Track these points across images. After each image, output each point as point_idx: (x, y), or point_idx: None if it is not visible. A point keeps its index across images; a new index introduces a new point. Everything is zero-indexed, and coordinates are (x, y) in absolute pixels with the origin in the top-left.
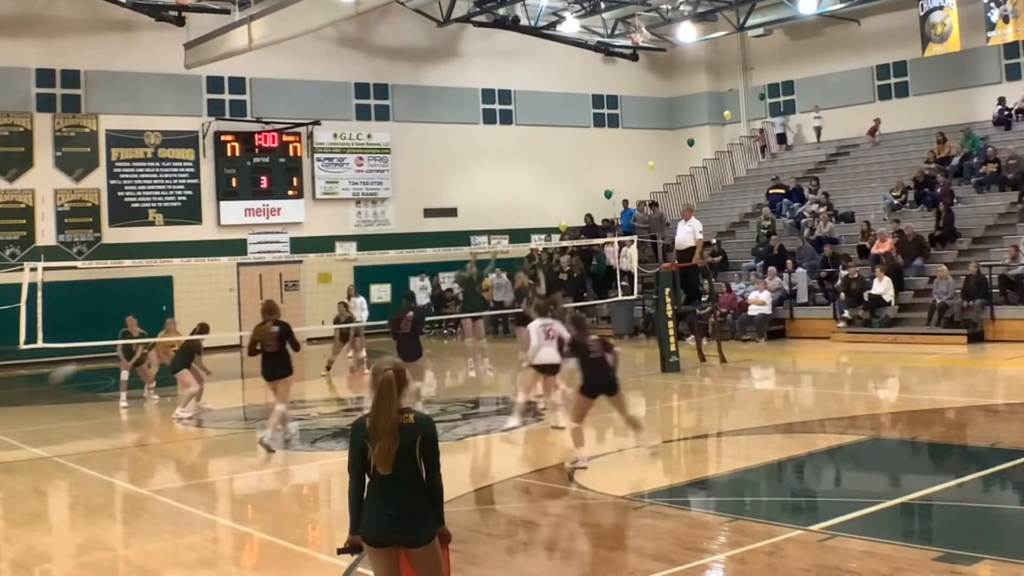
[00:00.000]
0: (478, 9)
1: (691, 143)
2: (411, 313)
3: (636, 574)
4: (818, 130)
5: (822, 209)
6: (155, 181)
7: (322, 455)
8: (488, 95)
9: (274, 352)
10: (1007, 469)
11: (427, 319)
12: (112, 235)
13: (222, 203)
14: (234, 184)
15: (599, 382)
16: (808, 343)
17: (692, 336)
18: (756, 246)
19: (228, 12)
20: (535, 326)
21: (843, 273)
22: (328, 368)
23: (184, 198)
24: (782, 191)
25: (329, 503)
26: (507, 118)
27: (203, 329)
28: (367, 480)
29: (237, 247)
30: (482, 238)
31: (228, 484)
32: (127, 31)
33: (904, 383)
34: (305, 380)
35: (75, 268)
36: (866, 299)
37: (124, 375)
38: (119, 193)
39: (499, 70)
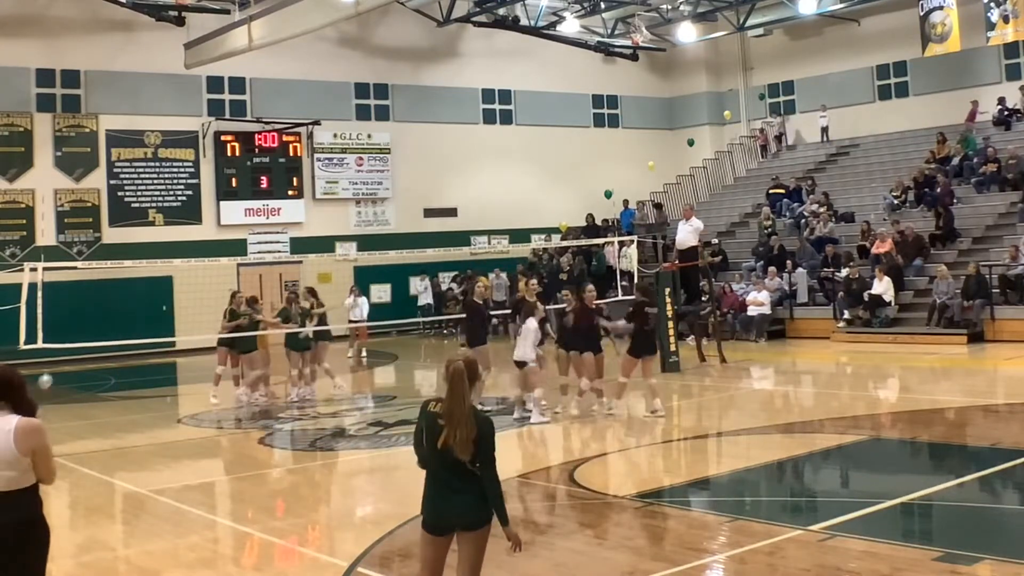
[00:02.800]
0: (478, 9)
1: (691, 143)
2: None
3: (636, 574)
4: (824, 129)
5: (822, 209)
6: (155, 181)
7: (322, 455)
8: (488, 95)
9: None
10: (1007, 469)
11: (427, 319)
12: (112, 235)
13: (222, 203)
14: (234, 184)
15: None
16: (808, 343)
17: (692, 336)
18: (756, 246)
19: (228, 12)
20: None
21: (843, 272)
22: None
23: (184, 198)
24: (782, 191)
25: (328, 503)
26: (507, 118)
27: (253, 301)
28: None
29: (237, 247)
30: (482, 238)
31: (228, 484)
32: (127, 31)
33: (904, 383)
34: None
35: (75, 268)
36: (866, 299)
37: (220, 368)
38: (119, 193)
39: (499, 70)
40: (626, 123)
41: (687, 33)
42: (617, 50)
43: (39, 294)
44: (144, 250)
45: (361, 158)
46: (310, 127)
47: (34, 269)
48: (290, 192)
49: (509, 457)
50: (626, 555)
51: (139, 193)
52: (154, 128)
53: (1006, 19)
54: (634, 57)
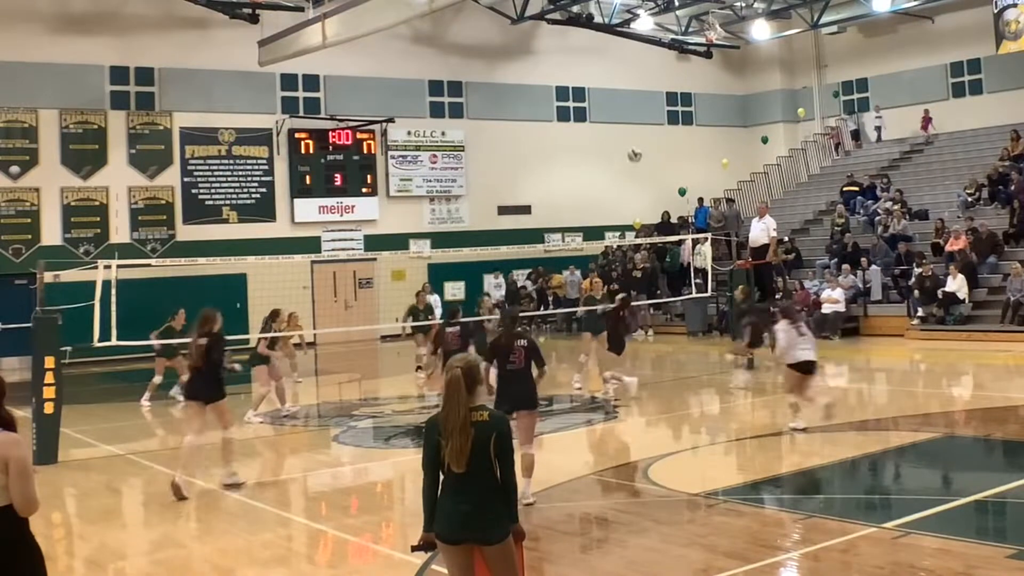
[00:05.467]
0: (552, 6)
1: (765, 140)
2: (456, 328)
3: (710, 571)
4: (878, 130)
5: (896, 207)
6: (229, 178)
7: (396, 452)
8: (562, 92)
9: (199, 369)
10: None
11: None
12: (186, 232)
13: (296, 200)
14: (308, 181)
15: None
16: (882, 341)
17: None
18: (830, 243)
19: (302, 10)
20: (783, 326)
21: (917, 271)
22: (419, 368)
23: (258, 195)
24: (856, 188)
25: (403, 500)
26: (581, 115)
27: (274, 315)
28: (441, 478)
29: (311, 245)
30: (556, 236)
31: (302, 481)
32: (201, 28)
33: (978, 380)
34: (380, 378)
35: (149, 266)
36: (940, 297)
37: (157, 379)
38: (193, 191)
39: (573, 67)
40: (700, 120)
41: (761, 30)
42: (691, 47)
43: (113, 291)
44: (218, 247)
45: (435, 155)
46: (384, 124)
47: (108, 267)
48: (364, 190)
49: (583, 454)
50: (700, 552)
51: (213, 190)
52: (228, 125)
53: None
54: (708, 54)
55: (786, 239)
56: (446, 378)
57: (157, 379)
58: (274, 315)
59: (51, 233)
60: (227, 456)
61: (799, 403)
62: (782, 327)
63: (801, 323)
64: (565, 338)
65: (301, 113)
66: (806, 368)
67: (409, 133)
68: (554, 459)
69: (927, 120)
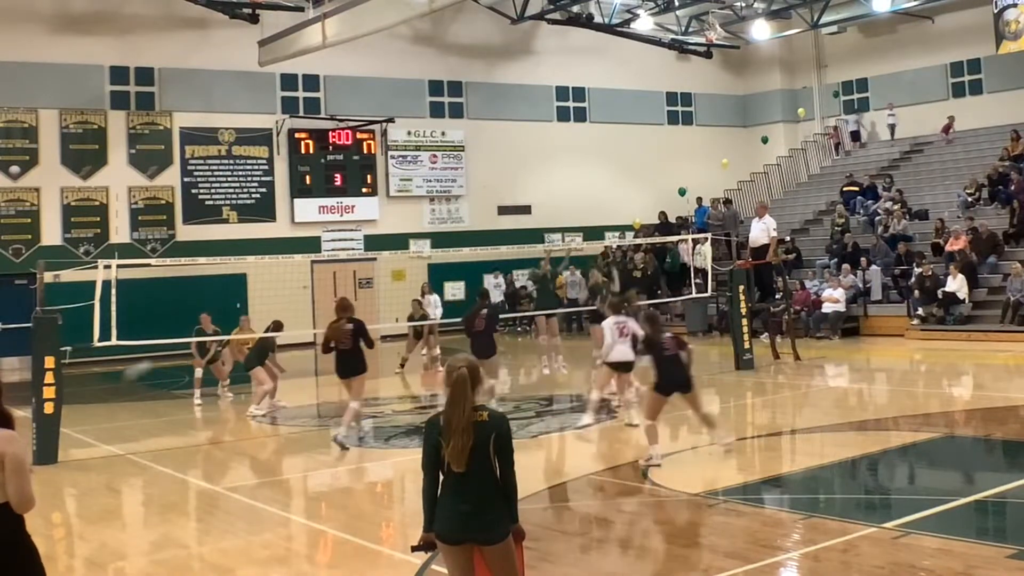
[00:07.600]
0: (552, 7)
1: (765, 140)
2: (485, 311)
3: (710, 571)
4: (892, 127)
5: (896, 207)
6: (229, 178)
7: (396, 452)
8: (562, 92)
9: (348, 349)
10: None
11: (501, 316)
12: (186, 232)
13: (296, 200)
14: (308, 181)
15: (673, 380)
16: (882, 341)
17: (766, 334)
18: (830, 243)
19: (302, 10)
20: (609, 323)
21: (917, 271)
22: (402, 366)
23: (258, 195)
24: (856, 188)
25: (403, 500)
26: (581, 115)
27: (277, 327)
28: (441, 478)
29: (311, 244)
30: (556, 235)
31: (302, 481)
32: (201, 28)
33: (978, 380)
34: (379, 378)
35: (149, 266)
36: (940, 297)
37: (198, 372)
38: (193, 191)
39: (573, 67)
40: (700, 120)
41: (761, 30)
42: (691, 47)
43: (113, 291)
44: (218, 247)
45: (435, 155)
46: (384, 124)
47: (108, 266)
48: (364, 190)
49: (582, 455)
50: (700, 552)
51: (213, 190)
52: (228, 125)
53: None
54: (708, 54)
55: (786, 239)
56: (452, 378)
57: (199, 372)
58: (278, 326)
59: (51, 233)
60: (348, 420)
61: (612, 400)
62: (609, 323)
63: (627, 323)
64: (565, 338)
65: (301, 113)
66: (622, 368)
67: (409, 133)
68: (554, 459)
69: (949, 126)
